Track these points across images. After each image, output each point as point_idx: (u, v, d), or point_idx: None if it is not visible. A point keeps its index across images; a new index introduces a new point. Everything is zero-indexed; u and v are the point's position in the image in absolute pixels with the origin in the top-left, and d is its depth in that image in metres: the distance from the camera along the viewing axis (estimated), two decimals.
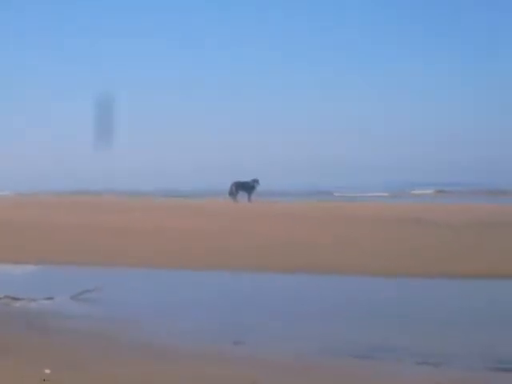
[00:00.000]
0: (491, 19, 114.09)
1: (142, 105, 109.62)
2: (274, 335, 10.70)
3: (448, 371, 8.72)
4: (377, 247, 20.50)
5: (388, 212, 32.97)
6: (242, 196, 44.61)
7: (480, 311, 12.90)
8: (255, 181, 44.73)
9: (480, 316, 12.41)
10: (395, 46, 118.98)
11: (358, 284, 16.12)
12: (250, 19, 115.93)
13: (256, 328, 11.22)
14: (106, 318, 11.90)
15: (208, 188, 66.20)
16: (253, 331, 10.97)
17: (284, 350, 9.70)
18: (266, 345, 10.03)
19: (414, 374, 8.60)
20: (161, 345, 9.88)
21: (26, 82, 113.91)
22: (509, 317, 12.51)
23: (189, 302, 13.71)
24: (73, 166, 79.90)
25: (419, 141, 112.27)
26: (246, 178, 45.48)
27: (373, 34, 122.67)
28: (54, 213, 31.58)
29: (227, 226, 26.41)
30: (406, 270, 17.00)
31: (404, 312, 12.72)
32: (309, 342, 10.15)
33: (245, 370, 8.46)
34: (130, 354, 9.31)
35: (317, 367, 8.79)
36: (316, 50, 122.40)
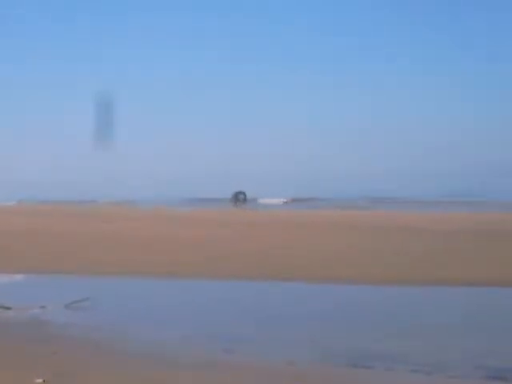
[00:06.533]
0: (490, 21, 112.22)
1: (138, 108, 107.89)
2: (266, 342, 10.68)
3: (440, 379, 8.72)
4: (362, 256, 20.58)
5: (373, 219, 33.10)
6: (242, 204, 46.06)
7: (473, 319, 12.93)
8: (242, 192, 47.96)
9: (473, 324, 12.42)
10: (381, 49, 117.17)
11: (348, 292, 16.11)
12: (251, 21, 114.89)
13: (248, 336, 11.19)
14: (97, 327, 11.87)
15: (206, 196, 65.59)
16: (244, 339, 10.94)
17: (275, 357, 9.68)
18: (258, 352, 10.01)
19: (406, 382, 8.59)
20: (151, 353, 9.87)
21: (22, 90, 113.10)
22: (499, 324, 12.53)
23: (181, 311, 13.71)
24: (67, 175, 79.56)
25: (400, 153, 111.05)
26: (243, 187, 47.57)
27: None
28: (44, 222, 31.54)
29: (217, 234, 26.46)
30: (393, 277, 17.06)
31: (395, 320, 12.72)
32: (300, 350, 10.14)
33: (234, 377, 8.46)
34: (120, 361, 9.30)
35: (307, 375, 8.78)
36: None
